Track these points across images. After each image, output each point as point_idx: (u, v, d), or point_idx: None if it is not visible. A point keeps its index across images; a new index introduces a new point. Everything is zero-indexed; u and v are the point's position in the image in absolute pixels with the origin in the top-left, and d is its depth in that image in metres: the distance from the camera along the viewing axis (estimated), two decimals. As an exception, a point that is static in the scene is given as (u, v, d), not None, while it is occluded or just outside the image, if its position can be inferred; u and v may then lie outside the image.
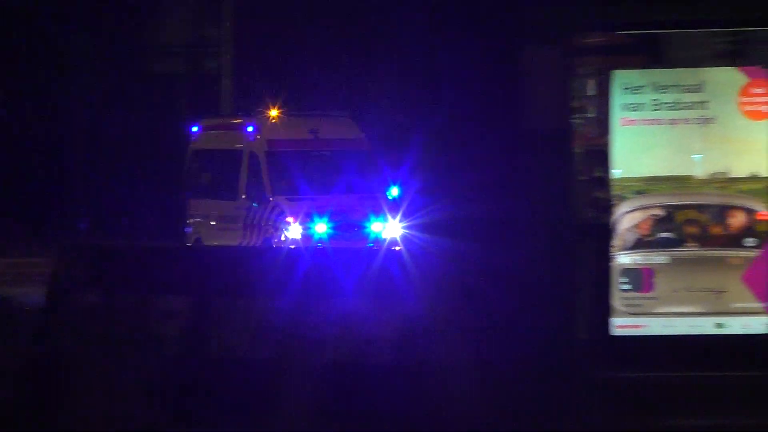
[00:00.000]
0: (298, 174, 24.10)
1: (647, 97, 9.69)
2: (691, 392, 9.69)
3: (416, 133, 22.42)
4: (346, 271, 9.17)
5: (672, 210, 9.72)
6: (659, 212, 9.74)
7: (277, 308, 9.10)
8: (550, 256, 9.53)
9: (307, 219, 23.50)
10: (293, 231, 23.50)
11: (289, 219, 23.68)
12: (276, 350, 8.96)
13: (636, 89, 9.69)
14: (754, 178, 9.64)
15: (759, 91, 9.61)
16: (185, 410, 9.19)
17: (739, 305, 9.73)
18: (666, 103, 9.70)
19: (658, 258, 9.74)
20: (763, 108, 9.61)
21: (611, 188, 9.75)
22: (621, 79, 9.66)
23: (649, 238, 9.76)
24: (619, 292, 9.68)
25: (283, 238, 23.67)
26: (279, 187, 24.19)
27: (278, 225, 23.90)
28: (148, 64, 39.70)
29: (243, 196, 24.73)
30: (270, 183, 24.23)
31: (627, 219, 9.69)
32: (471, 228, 9.84)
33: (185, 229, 26.01)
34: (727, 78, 9.66)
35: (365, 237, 23.96)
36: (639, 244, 9.73)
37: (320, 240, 23.50)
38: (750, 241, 9.66)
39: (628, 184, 9.74)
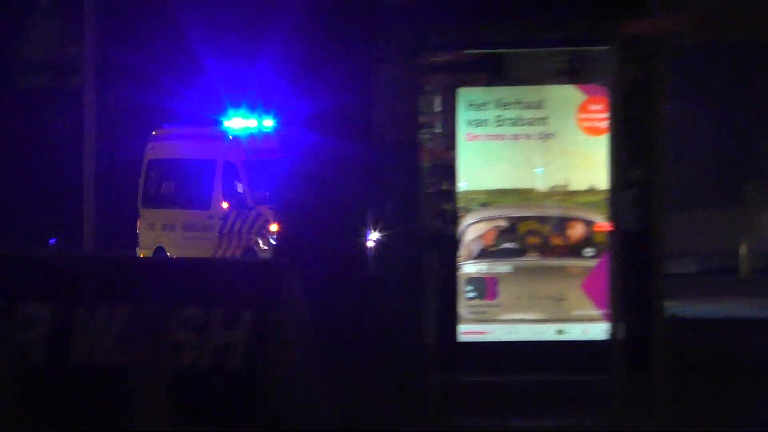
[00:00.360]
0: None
1: (491, 114, 10.15)
2: (531, 394, 10.16)
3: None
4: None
5: (515, 221, 10.18)
6: (503, 223, 10.18)
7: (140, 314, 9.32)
8: (399, 264, 9.91)
9: None
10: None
11: (274, 227, 23.35)
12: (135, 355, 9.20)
13: (480, 106, 10.15)
14: (592, 191, 10.14)
15: (596, 107, 10.13)
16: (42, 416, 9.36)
17: (578, 312, 10.22)
18: (509, 119, 10.17)
19: (501, 267, 10.19)
20: (600, 124, 10.12)
21: (457, 200, 10.17)
22: (465, 96, 10.11)
23: (493, 248, 10.20)
24: (465, 299, 10.10)
25: (265, 245, 23.69)
26: (259, 196, 24.10)
27: (263, 232, 23.80)
28: (11, 79, 39.81)
29: (222, 204, 24.54)
30: (250, 192, 24.06)
31: (472, 230, 10.12)
32: (322, 237, 10.19)
33: (137, 239, 25.73)
34: (566, 95, 10.17)
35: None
36: (484, 254, 10.17)
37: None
38: (589, 251, 10.16)
39: (473, 196, 10.17)
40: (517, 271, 10.17)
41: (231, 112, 24.80)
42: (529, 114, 10.15)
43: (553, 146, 10.20)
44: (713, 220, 32.60)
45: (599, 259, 10.13)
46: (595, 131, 10.12)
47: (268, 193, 23.81)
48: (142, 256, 24.38)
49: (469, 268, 10.13)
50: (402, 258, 9.95)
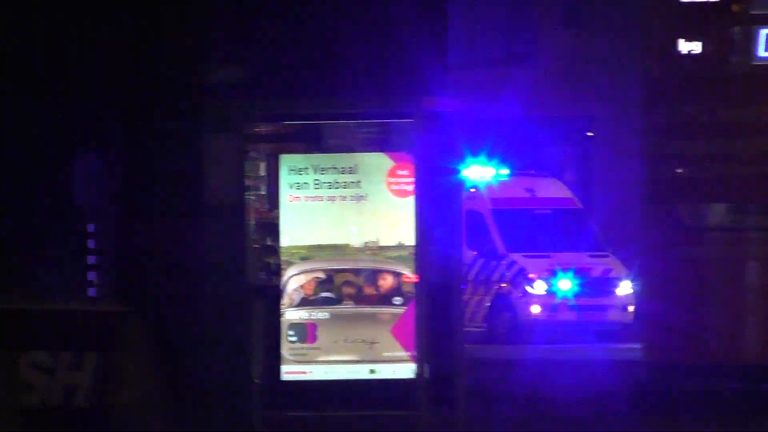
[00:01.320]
0: (525, 231, 24.95)
1: (310, 178, 11.42)
2: (348, 428, 11.34)
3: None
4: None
5: (332, 273, 11.43)
6: (321, 275, 11.42)
7: None
8: (229, 312, 11.00)
9: (550, 276, 24.17)
10: (537, 287, 24.11)
11: (532, 275, 24.21)
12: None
13: (300, 170, 11.42)
14: (400, 246, 11.46)
15: (403, 173, 11.49)
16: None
17: (388, 354, 11.48)
18: (326, 183, 11.45)
19: (320, 314, 11.42)
20: (407, 187, 11.45)
21: (280, 254, 11.38)
22: (287, 162, 11.38)
23: (313, 297, 11.43)
24: (288, 342, 11.28)
25: (521, 293, 24.24)
26: (511, 244, 24.65)
27: (517, 281, 24.29)
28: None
29: (473, 253, 24.55)
30: (501, 240, 24.59)
31: (293, 281, 11.33)
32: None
33: None
34: (377, 162, 11.52)
35: (609, 294, 24.52)
36: (304, 302, 11.38)
37: (564, 297, 23.89)
38: (398, 300, 11.45)
39: (295, 251, 11.41)
40: (334, 317, 11.39)
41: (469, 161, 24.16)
42: (343, 178, 11.44)
43: (366, 207, 11.49)
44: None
45: (407, 307, 11.38)
46: (402, 194, 11.44)
47: (519, 242, 24.79)
48: None
49: (291, 314, 11.30)
50: (232, 306, 11.04)
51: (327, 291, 11.50)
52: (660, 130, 13.69)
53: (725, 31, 12.98)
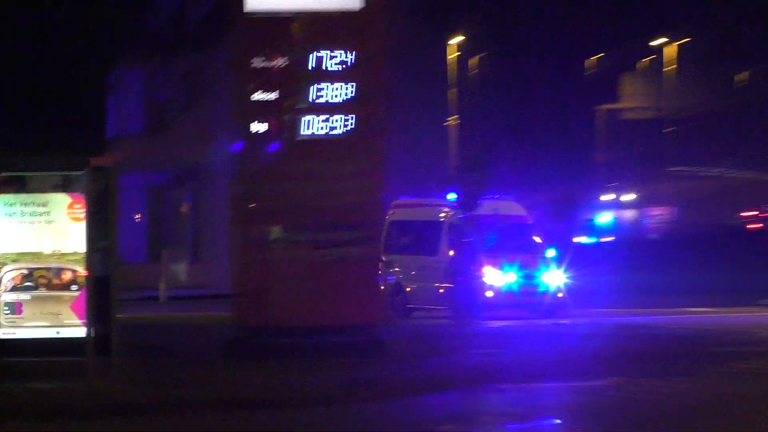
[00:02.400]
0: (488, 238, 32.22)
1: (18, 209, 17.51)
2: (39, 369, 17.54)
3: None
4: None
5: (32, 270, 17.54)
6: (25, 271, 17.52)
7: None
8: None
9: (500, 268, 32.13)
10: (490, 275, 32.05)
11: (487, 267, 31.82)
12: None
13: (12, 204, 17.47)
14: (76, 253, 17.66)
15: (78, 206, 17.61)
16: None
17: (69, 321, 17.48)
18: (28, 212, 17.56)
19: (24, 296, 17.46)
20: (81, 215, 17.58)
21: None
22: (2, 199, 17.42)
23: (20, 285, 17.43)
24: (4, 315, 17.33)
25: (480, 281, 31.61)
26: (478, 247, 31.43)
27: (479, 271, 31.59)
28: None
29: (450, 252, 32.29)
30: (471, 244, 31.39)
31: (7, 275, 17.43)
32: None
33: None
34: (61, 199, 17.71)
35: (537, 284, 32.60)
36: (14, 289, 17.38)
37: (509, 285, 32.30)
38: (74, 287, 17.61)
39: (8, 256, 17.45)
40: (33, 298, 17.51)
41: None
42: (40, 209, 17.60)
43: (54, 227, 17.63)
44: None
45: (80, 291, 17.57)
46: (78, 219, 17.67)
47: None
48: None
49: (6, 296, 17.38)
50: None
51: (29, 281, 17.57)
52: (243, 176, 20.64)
53: (281, 117, 20.19)
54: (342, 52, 20.10)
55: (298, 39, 20.26)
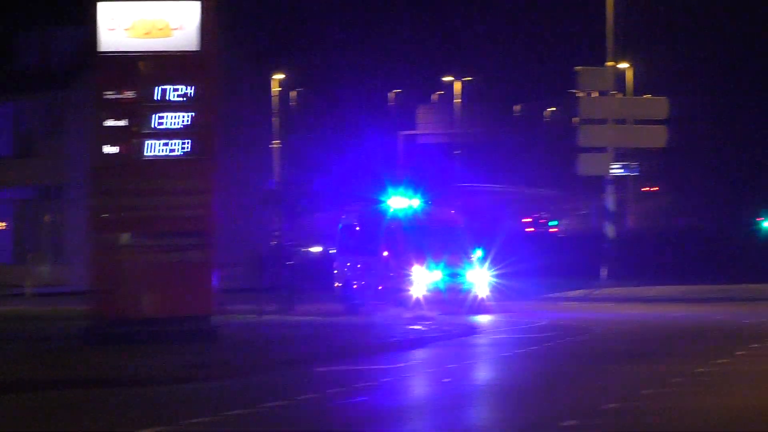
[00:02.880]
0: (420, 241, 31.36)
1: None
2: None
3: None
4: None
5: None
6: None
7: None
8: None
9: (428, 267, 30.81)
10: (417, 273, 30.76)
11: (416, 266, 30.72)
12: None
13: None
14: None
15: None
16: None
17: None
18: None
19: None
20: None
21: None
22: None
23: None
24: None
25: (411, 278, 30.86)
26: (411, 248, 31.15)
27: (408, 270, 30.70)
28: None
29: (384, 253, 31.55)
30: (405, 246, 31.38)
31: None
32: None
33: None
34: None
35: (462, 281, 31.30)
36: None
37: (435, 283, 30.93)
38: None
39: None
40: None
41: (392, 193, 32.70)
42: None
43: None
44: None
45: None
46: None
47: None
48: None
49: None
50: None
51: None
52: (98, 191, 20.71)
53: (129, 141, 20.32)
54: (182, 86, 20.38)
55: (145, 75, 20.50)
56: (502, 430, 13.13)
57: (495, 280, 32.16)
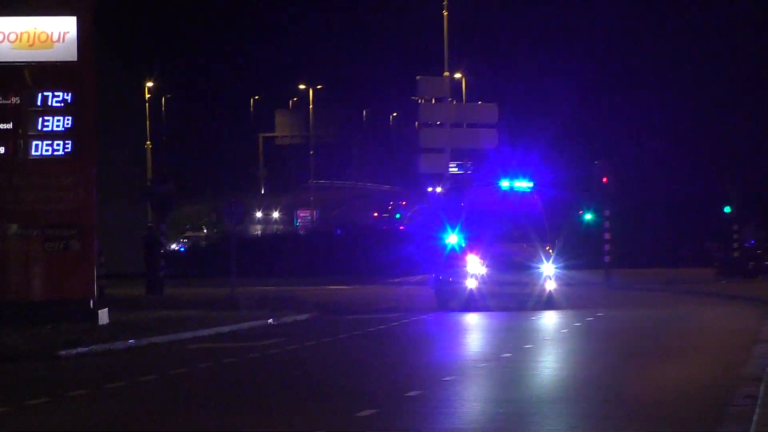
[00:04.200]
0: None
1: None
2: None
3: None
4: None
5: None
6: None
7: None
8: None
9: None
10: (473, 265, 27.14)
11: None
12: None
13: None
14: None
15: None
16: None
17: None
18: None
19: None
20: None
21: None
22: None
23: None
24: None
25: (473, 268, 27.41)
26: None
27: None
28: None
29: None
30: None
31: None
32: None
33: None
34: None
35: (531, 275, 27.20)
36: None
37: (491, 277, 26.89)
38: None
39: None
40: None
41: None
42: None
43: None
44: None
45: None
46: None
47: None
48: None
49: None
50: None
51: None
52: None
53: (16, 141, 20.94)
54: (62, 93, 21.09)
55: (28, 83, 21.04)
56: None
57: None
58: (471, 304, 26.82)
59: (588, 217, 39.76)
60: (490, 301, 26.82)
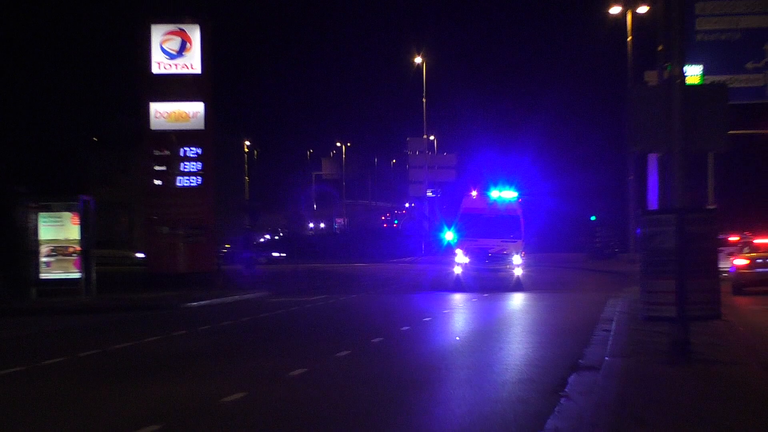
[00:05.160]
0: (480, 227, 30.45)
1: None
2: None
3: None
4: None
5: None
6: None
7: None
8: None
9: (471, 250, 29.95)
10: (460, 256, 30.01)
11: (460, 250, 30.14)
12: None
13: None
14: None
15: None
16: None
17: None
18: None
19: None
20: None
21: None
22: None
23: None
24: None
25: (460, 259, 30.22)
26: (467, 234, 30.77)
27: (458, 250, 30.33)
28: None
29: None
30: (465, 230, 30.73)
31: None
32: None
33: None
34: None
35: (503, 266, 29.71)
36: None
37: (472, 265, 29.73)
38: None
39: None
40: None
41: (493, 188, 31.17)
42: None
43: None
44: None
45: None
46: None
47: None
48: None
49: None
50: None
51: None
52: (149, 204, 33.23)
53: (169, 177, 32.81)
54: (195, 148, 32.64)
55: (174, 142, 32.59)
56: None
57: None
58: (457, 286, 30.00)
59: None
60: (472, 284, 29.77)
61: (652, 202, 29.57)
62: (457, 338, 18.50)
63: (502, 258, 29.57)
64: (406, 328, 19.45)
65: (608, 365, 12.63)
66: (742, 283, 26.25)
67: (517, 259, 29.56)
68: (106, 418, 10.12)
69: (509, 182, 31.61)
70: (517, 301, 27.05)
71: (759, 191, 43.22)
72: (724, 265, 23.94)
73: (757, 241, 27.27)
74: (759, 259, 26.07)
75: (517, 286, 29.45)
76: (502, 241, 29.70)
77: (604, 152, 67.50)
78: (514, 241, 29.72)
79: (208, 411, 10.32)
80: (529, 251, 32.37)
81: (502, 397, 11.12)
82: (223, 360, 14.46)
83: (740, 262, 26.37)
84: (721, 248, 20.88)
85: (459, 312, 24.34)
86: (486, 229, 29.91)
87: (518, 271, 29.71)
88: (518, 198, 31.41)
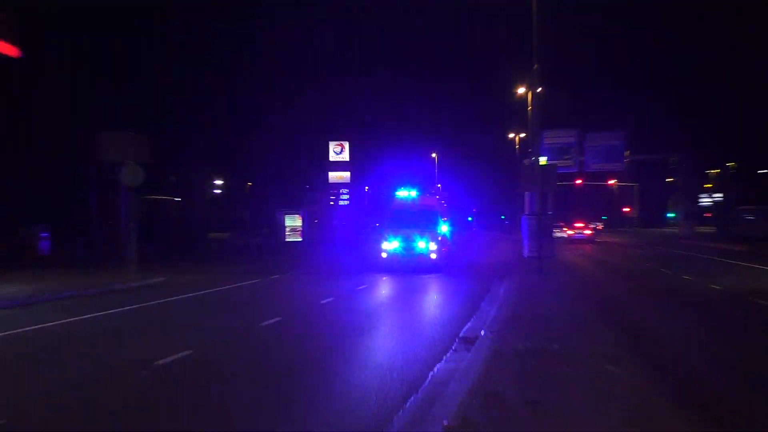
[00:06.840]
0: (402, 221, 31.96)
1: None
2: None
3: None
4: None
5: None
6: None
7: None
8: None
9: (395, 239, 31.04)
10: (385, 244, 30.72)
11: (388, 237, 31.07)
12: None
13: None
14: None
15: None
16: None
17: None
18: None
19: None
20: None
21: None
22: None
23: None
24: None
25: (386, 246, 31.14)
26: (392, 226, 31.99)
27: (384, 239, 31.23)
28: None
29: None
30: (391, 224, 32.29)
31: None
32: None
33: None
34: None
35: (420, 251, 30.74)
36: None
37: (395, 251, 30.78)
38: None
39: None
40: None
41: (400, 189, 33.75)
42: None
43: None
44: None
45: None
46: None
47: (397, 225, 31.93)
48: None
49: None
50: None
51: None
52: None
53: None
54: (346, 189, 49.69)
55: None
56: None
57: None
58: (383, 269, 30.45)
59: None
60: (395, 267, 30.59)
61: (530, 209, 34.16)
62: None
63: (420, 245, 31.34)
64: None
65: (507, 280, 22.93)
66: (569, 241, 58.80)
67: (433, 245, 31.36)
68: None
69: (432, 187, 41.42)
70: (433, 278, 28.75)
71: (568, 206, 76.44)
72: (561, 234, 58.60)
73: (576, 224, 63.66)
74: (575, 231, 61.40)
75: (434, 268, 31.45)
76: (421, 231, 31.52)
77: (510, 182, 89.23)
78: (432, 231, 31.72)
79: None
80: (454, 241, 40.05)
81: (443, 322, 14.85)
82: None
83: (569, 232, 61.56)
84: (558, 227, 55.50)
85: (385, 285, 25.67)
86: (409, 221, 31.94)
87: (434, 256, 31.41)
88: (438, 197, 34.69)
